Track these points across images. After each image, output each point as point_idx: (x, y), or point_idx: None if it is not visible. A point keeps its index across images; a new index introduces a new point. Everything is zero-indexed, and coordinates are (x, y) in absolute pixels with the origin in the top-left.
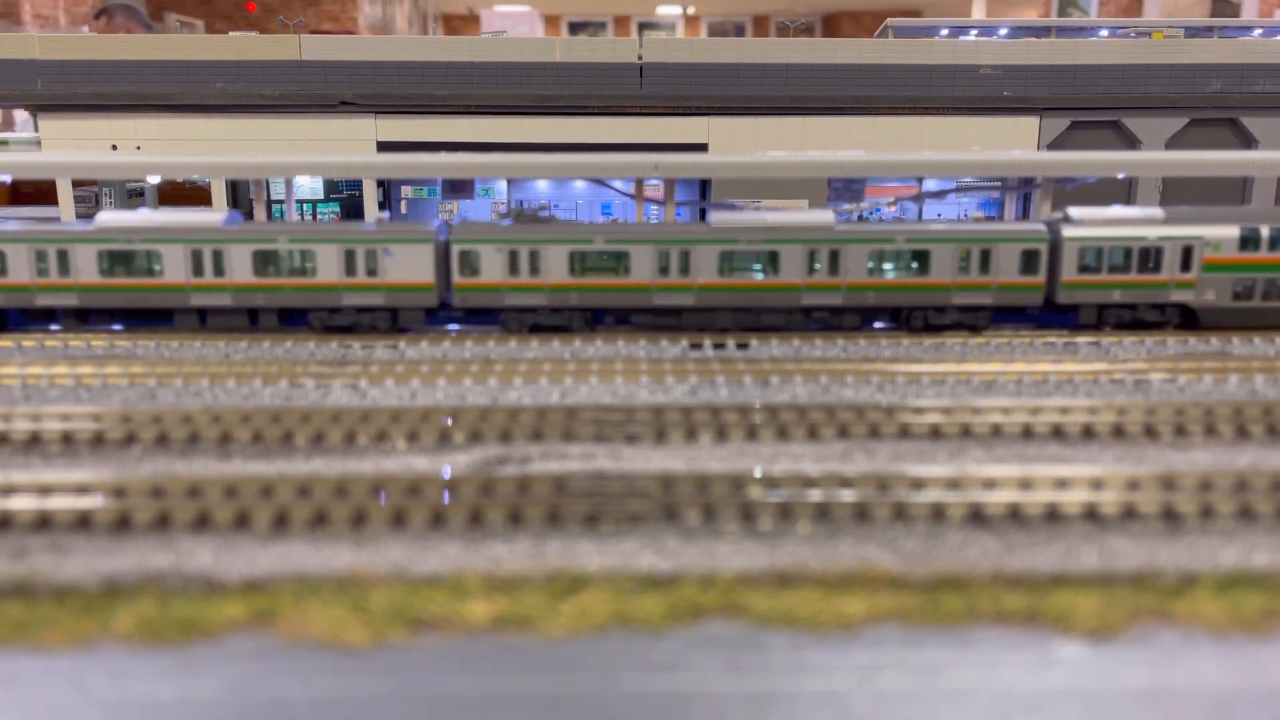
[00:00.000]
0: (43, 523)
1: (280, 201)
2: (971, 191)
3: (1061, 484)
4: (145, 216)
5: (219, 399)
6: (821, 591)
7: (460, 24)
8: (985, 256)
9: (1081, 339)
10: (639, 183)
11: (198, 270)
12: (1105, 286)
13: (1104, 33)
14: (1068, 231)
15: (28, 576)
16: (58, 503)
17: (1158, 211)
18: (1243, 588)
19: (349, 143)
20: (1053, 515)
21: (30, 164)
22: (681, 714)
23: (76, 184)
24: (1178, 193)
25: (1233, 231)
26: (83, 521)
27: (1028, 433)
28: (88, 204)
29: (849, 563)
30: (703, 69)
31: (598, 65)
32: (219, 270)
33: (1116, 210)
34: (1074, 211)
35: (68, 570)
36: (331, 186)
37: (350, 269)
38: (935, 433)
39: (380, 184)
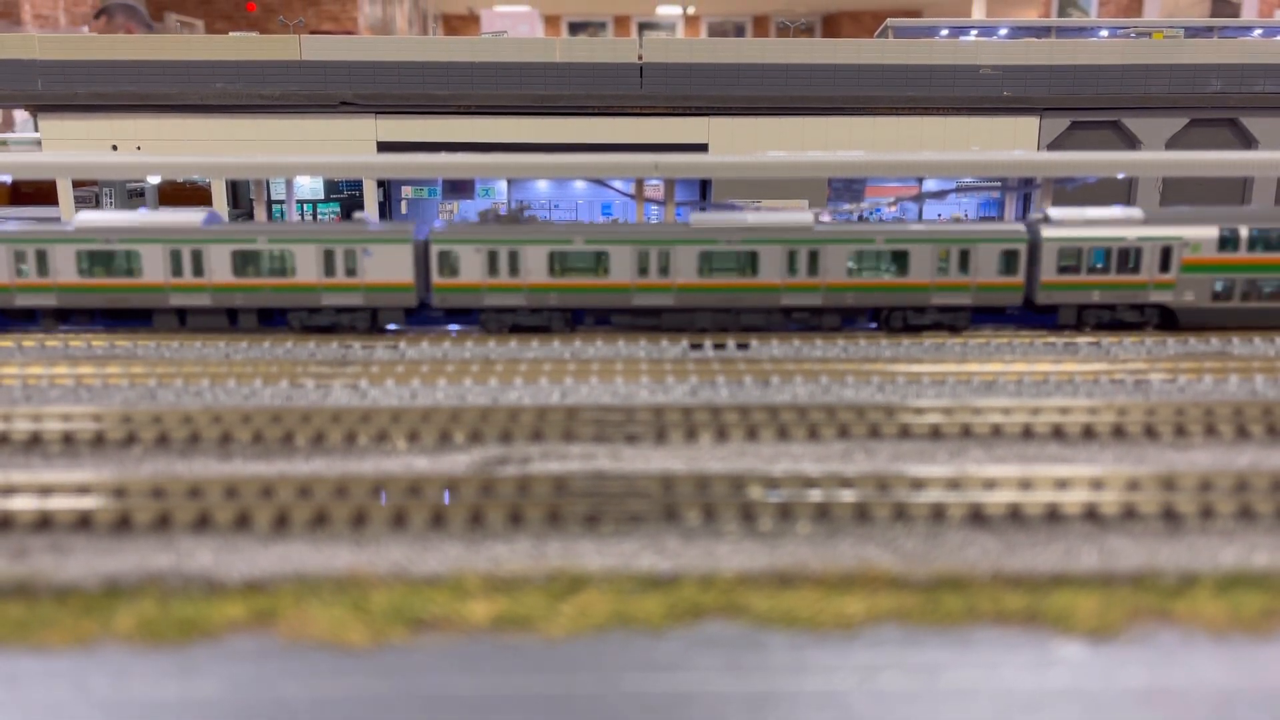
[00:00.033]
0: (43, 523)
1: (281, 202)
2: (971, 192)
3: (1062, 484)
4: (124, 217)
5: (219, 399)
6: (821, 591)
7: (460, 24)
8: (964, 257)
9: (1082, 339)
10: (639, 183)
11: (177, 270)
12: (1084, 287)
13: (1104, 33)
14: (1047, 232)
15: (28, 577)
16: (58, 503)
17: (1137, 212)
18: (1243, 588)
19: (349, 143)
20: (1053, 515)
21: (30, 164)
22: (681, 714)
23: (76, 184)
24: (1178, 193)
25: (1211, 232)
26: (83, 522)
27: (1028, 433)
28: (88, 204)
29: (849, 563)
30: (703, 69)
31: (598, 65)
32: (198, 270)
33: (1096, 211)
34: (1053, 212)
35: (68, 570)
36: (332, 187)
37: (329, 269)
38: (935, 433)
39: (380, 184)
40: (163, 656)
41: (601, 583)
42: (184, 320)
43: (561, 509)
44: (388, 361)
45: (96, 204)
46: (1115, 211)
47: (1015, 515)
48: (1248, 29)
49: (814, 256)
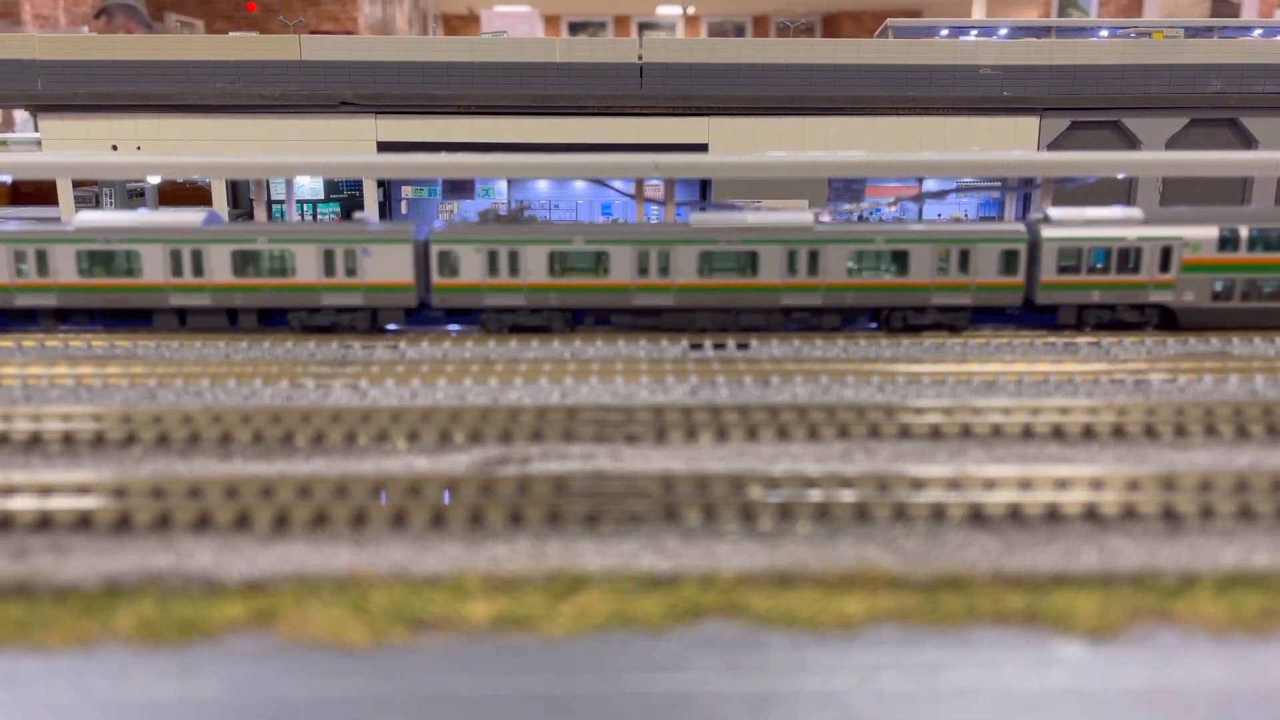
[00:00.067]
0: (43, 523)
1: (281, 202)
2: (971, 191)
3: (1061, 484)
4: (124, 217)
5: (219, 399)
6: (821, 591)
7: (460, 24)
8: (964, 257)
9: (1081, 339)
10: (639, 183)
11: (177, 270)
12: (1084, 287)
13: (1104, 33)
14: (1047, 232)
15: (28, 577)
16: (58, 503)
17: (1137, 212)
18: (1243, 588)
19: (349, 143)
20: (1053, 515)
21: (30, 164)
22: (681, 714)
23: (76, 184)
24: (1178, 193)
25: (1211, 232)
26: (83, 522)
27: (1028, 433)
28: (88, 204)
29: (849, 563)
30: (703, 69)
31: (598, 65)
32: (198, 270)
33: (1095, 211)
34: (1053, 212)
35: (68, 570)
36: (332, 187)
37: (329, 269)
38: (935, 433)
39: (380, 184)
40: (163, 656)
41: (601, 583)
42: (184, 320)
43: (561, 509)
44: (388, 361)
45: (96, 204)
46: (1115, 211)
47: (1015, 515)
48: (1248, 29)
49: (814, 256)
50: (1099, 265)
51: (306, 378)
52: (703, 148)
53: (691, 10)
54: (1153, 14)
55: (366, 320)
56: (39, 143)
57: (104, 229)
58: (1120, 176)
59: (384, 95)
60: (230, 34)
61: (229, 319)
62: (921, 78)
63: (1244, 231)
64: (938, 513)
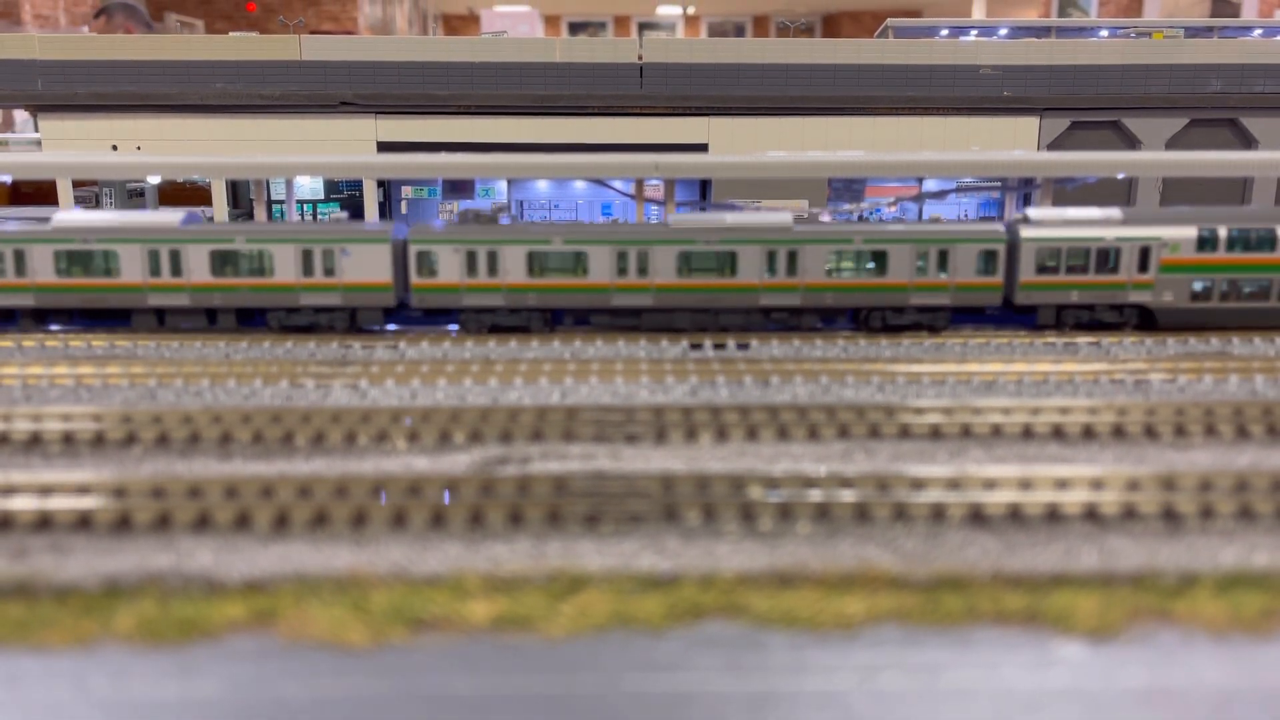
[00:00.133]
0: (43, 523)
1: (281, 202)
2: (971, 192)
3: (1061, 484)
4: (102, 217)
5: (219, 399)
6: (821, 591)
7: (460, 24)
8: (943, 257)
9: (1081, 339)
10: (639, 183)
11: (155, 270)
12: (1063, 287)
13: (1104, 33)
14: (1025, 232)
15: (28, 577)
16: (58, 503)
17: (1115, 212)
18: (1243, 588)
19: (349, 143)
20: (1053, 515)
21: (30, 164)
22: (681, 714)
23: (77, 184)
24: (1178, 193)
25: (1190, 232)
26: (83, 522)
27: (1028, 433)
28: (88, 204)
29: (849, 563)
30: (703, 69)
31: (598, 65)
32: (176, 270)
33: (1075, 211)
34: (1033, 212)
35: (68, 570)
36: (332, 187)
37: (308, 269)
38: (935, 433)
39: (380, 184)
40: (163, 656)
41: (601, 583)
42: (162, 320)
43: (561, 509)
44: (388, 361)
45: (96, 204)
46: (1094, 212)
47: (1015, 515)
48: (1248, 29)
49: (792, 257)
50: (1078, 265)
51: (306, 378)
52: (703, 148)
53: (691, 10)
54: (1153, 14)
55: (345, 320)
56: (39, 143)
57: (82, 229)
58: (1120, 176)
59: (384, 95)
60: (230, 34)
61: (208, 319)
62: (921, 78)
63: (1223, 232)
64: (938, 513)
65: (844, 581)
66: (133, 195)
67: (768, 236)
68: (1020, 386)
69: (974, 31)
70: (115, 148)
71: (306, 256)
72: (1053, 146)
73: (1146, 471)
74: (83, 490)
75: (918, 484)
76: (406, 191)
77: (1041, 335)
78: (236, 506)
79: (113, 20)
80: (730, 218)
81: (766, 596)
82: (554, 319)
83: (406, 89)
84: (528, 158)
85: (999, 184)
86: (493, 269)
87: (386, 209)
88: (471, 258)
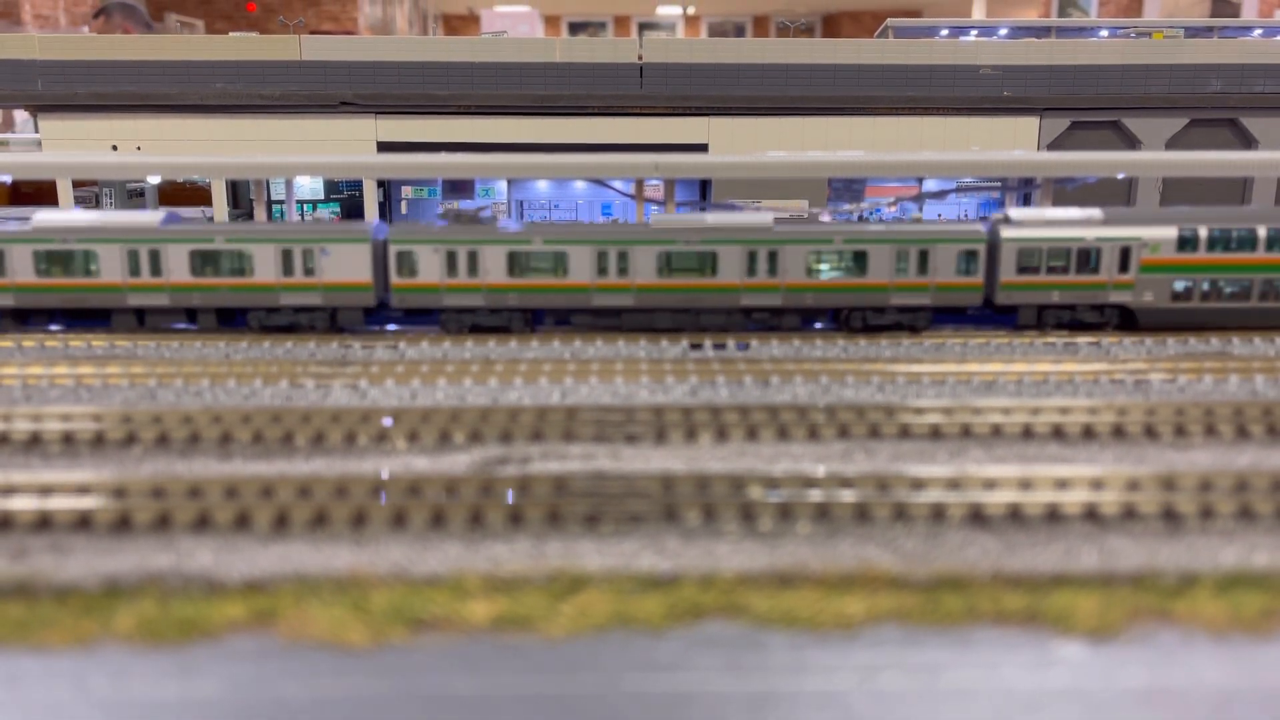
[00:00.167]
0: (43, 523)
1: (280, 202)
2: (971, 191)
3: (1061, 484)
4: (82, 217)
5: (219, 399)
6: (821, 591)
7: (460, 24)
8: (923, 257)
9: (1082, 339)
10: (639, 183)
11: (134, 270)
12: (1044, 287)
13: (1104, 33)
14: (1006, 232)
15: (28, 577)
16: (58, 503)
17: (1096, 213)
18: (1243, 588)
19: (349, 143)
20: (1053, 515)
21: (30, 164)
22: (681, 714)
23: (77, 184)
24: (1178, 193)
25: (1170, 233)
26: (83, 522)
27: (1028, 433)
28: (88, 204)
29: (849, 563)
30: (703, 69)
31: (598, 65)
32: (156, 270)
33: (1055, 211)
34: (1014, 212)
35: (68, 570)
36: (332, 187)
37: (287, 269)
38: (935, 433)
39: (380, 184)
40: (163, 656)
41: (601, 583)
42: (142, 320)
43: (561, 509)
44: (388, 361)
45: (96, 204)
46: (1074, 212)
47: (1015, 515)
48: (1248, 29)
49: (773, 257)
50: (1058, 266)
51: (306, 378)
52: (703, 148)
53: (691, 10)
54: (1153, 14)
55: (325, 320)
56: (39, 143)
57: (61, 229)
58: (1120, 176)
59: (384, 95)
60: (230, 34)
61: (188, 319)
62: (921, 78)
63: (1203, 232)
64: (938, 513)
65: (844, 581)
66: (133, 195)
67: (748, 237)
68: (1020, 386)
69: (974, 31)
70: (115, 148)
71: (286, 256)
72: (1053, 146)
73: (1146, 471)
74: (83, 490)
75: (918, 484)
76: (406, 191)
77: (1042, 335)
78: (236, 506)
79: (112, 20)
80: (711, 218)
81: (766, 596)
82: (535, 319)
83: (406, 89)
84: (528, 158)
85: (999, 184)
86: (473, 269)
87: (386, 209)
88: (452, 258)
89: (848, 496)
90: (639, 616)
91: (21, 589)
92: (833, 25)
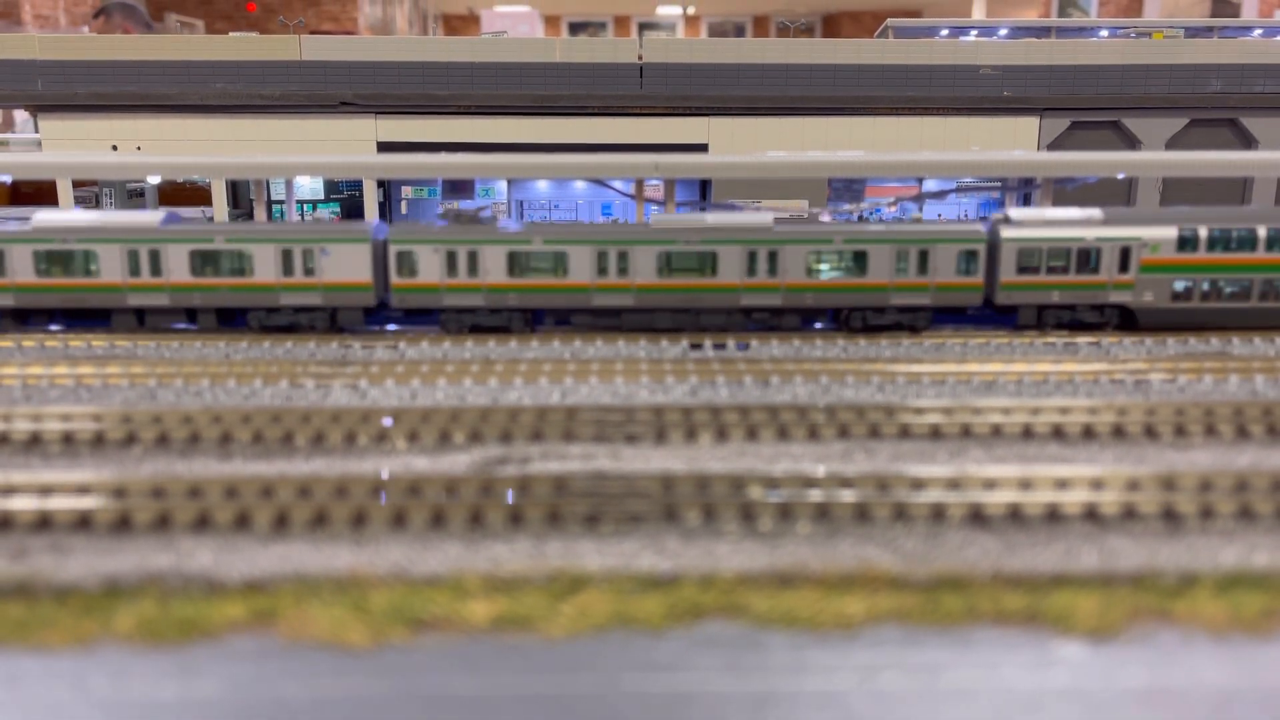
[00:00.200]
0: (43, 523)
1: (281, 202)
2: (972, 191)
3: (1061, 484)
4: (82, 217)
5: (219, 399)
6: (821, 591)
7: (460, 24)
8: (923, 257)
9: (1082, 339)
10: (639, 183)
11: (134, 270)
12: (1044, 287)
13: (1104, 33)
14: (1006, 232)
15: (28, 577)
16: (58, 503)
17: (1096, 213)
18: (1243, 588)
19: (349, 143)
20: (1053, 515)
21: (30, 164)
22: (681, 714)
23: (77, 184)
24: (1178, 193)
25: (1170, 233)
26: (83, 522)
27: (1028, 433)
28: (88, 204)
29: (849, 563)
30: (703, 69)
31: (598, 65)
32: (156, 270)
33: (1055, 211)
34: (1014, 213)
35: (68, 570)
36: (332, 187)
37: (287, 269)
38: (935, 433)
39: (380, 184)
40: (163, 656)
41: (601, 583)
42: (142, 320)
43: (561, 509)
44: (388, 361)
45: (97, 204)
46: (1075, 212)
47: (1015, 515)
48: (1248, 29)
49: (773, 257)
50: (1058, 266)
51: (306, 378)
52: (703, 148)
53: (691, 10)
54: (1153, 14)
55: (325, 320)
56: (39, 143)
57: (61, 229)
58: (1120, 176)
59: (384, 95)
60: (230, 34)
61: (188, 319)
62: (921, 78)
63: (1203, 232)
64: (938, 513)
65: (844, 581)
66: (133, 195)
67: (748, 237)
68: (1020, 386)
69: (974, 32)
70: (115, 148)
71: (286, 256)
72: (1053, 146)
73: (1146, 471)
74: (83, 490)
75: (918, 484)
76: (406, 191)
77: (1042, 335)
78: (236, 506)
79: (112, 20)
80: (711, 218)
81: (766, 596)
82: (535, 319)
83: (406, 89)
84: (528, 158)
85: (999, 184)
86: (473, 269)
87: (386, 209)
88: (452, 258)
89: (848, 496)
90: (639, 616)
91: (21, 589)
92: (833, 25)
